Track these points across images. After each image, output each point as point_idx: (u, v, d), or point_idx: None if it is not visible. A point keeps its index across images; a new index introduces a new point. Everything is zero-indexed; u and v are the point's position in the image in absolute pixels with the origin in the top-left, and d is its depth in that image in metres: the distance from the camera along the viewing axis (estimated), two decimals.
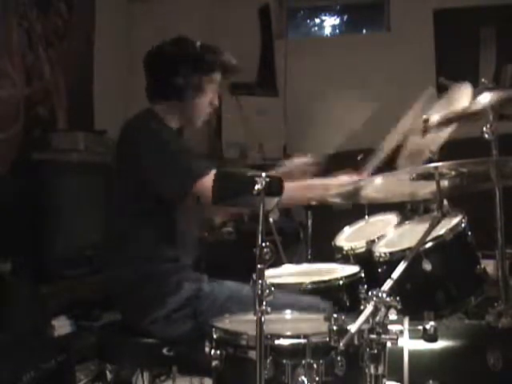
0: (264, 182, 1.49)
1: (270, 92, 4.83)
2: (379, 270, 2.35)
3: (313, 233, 3.10)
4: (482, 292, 2.31)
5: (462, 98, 2.21)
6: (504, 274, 2.13)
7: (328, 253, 2.79)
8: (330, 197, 2.08)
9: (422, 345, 1.77)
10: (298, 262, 2.84)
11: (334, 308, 2.07)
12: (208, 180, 1.95)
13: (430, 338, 1.77)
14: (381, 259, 2.35)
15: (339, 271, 2.39)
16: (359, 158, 3.05)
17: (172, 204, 2.08)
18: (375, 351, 1.47)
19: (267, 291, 1.46)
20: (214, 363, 1.60)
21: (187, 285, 2.07)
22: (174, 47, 2.21)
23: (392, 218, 2.84)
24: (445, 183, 1.82)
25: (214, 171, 1.90)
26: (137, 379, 2.50)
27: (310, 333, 1.54)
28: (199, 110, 2.25)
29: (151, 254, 2.09)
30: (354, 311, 1.90)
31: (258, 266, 1.47)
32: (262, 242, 1.47)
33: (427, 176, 1.76)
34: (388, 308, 1.48)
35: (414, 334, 1.77)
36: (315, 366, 1.49)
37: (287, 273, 2.54)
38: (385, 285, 1.55)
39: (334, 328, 1.46)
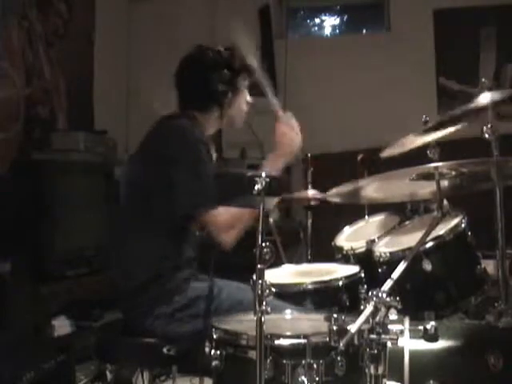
0: (264, 182, 1.49)
1: None
2: (379, 270, 2.35)
3: (313, 233, 3.10)
4: (482, 292, 2.31)
5: None
6: (504, 274, 2.13)
7: (328, 253, 2.79)
8: None
9: (422, 345, 1.77)
10: (298, 261, 2.84)
11: (334, 308, 2.07)
12: (218, 215, 2.01)
13: (431, 337, 1.77)
14: (381, 259, 2.35)
15: (339, 271, 2.39)
16: (359, 158, 3.06)
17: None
18: (375, 351, 1.47)
19: (267, 291, 1.46)
20: (214, 363, 1.60)
21: (195, 284, 2.07)
22: (202, 55, 2.23)
23: (392, 218, 2.84)
24: (445, 183, 1.82)
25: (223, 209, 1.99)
26: (137, 379, 2.50)
27: (310, 333, 1.54)
28: (240, 110, 2.29)
29: (158, 252, 2.08)
30: (354, 311, 1.90)
31: (258, 266, 1.47)
32: (261, 241, 1.47)
33: (427, 176, 1.76)
34: (388, 308, 1.48)
35: (414, 334, 1.77)
36: (315, 366, 1.49)
37: (287, 273, 2.54)
38: (385, 285, 1.55)
39: (334, 328, 1.46)
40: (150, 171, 2.13)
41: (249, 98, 2.32)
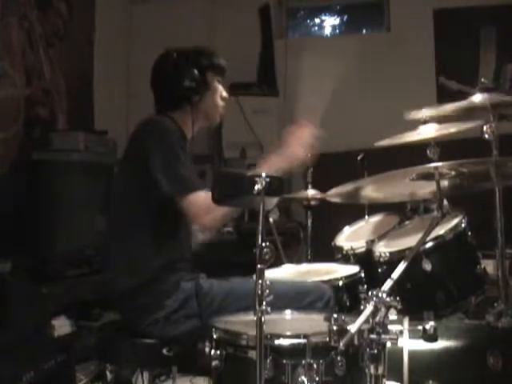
0: (264, 182, 1.49)
1: (270, 92, 4.83)
2: (379, 270, 2.35)
3: (313, 233, 3.10)
4: (482, 292, 2.31)
5: None
6: (504, 274, 2.13)
7: (328, 253, 2.79)
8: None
9: (421, 345, 1.78)
10: (298, 262, 2.85)
11: (334, 308, 2.07)
12: (197, 198, 1.98)
13: (430, 338, 1.77)
14: (381, 259, 2.35)
15: (339, 271, 2.40)
16: (359, 157, 3.06)
17: (172, 205, 2.07)
18: (375, 351, 1.47)
19: (267, 291, 1.46)
20: (214, 363, 1.60)
21: (184, 284, 2.07)
22: (167, 58, 2.26)
23: (392, 218, 2.84)
24: (445, 183, 1.82)
25: (203, 192, 1.96)
26: (137, 379, 2.50)
27: (310, 333, 1.53)
28: (214, 105, 2.29)
29: (149, 256, 2.08)
30: (354, 311, 1.90)
31: (258, 266, 1.47)
32: (261, 241, 1.47)
33: (427, 176, 1.76)
34: (388, 308, 1.48)
35: (413, 334, 1.77)
36: (315, 366, 1.49)
37: (287, 273, 2.54)
38: (385, 285, 1.55)
39: (334, 328, 1.46)
40: (131, 167, 2.15)
41: (225, 94, 2.31)
